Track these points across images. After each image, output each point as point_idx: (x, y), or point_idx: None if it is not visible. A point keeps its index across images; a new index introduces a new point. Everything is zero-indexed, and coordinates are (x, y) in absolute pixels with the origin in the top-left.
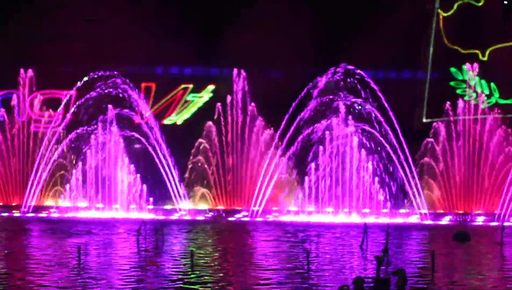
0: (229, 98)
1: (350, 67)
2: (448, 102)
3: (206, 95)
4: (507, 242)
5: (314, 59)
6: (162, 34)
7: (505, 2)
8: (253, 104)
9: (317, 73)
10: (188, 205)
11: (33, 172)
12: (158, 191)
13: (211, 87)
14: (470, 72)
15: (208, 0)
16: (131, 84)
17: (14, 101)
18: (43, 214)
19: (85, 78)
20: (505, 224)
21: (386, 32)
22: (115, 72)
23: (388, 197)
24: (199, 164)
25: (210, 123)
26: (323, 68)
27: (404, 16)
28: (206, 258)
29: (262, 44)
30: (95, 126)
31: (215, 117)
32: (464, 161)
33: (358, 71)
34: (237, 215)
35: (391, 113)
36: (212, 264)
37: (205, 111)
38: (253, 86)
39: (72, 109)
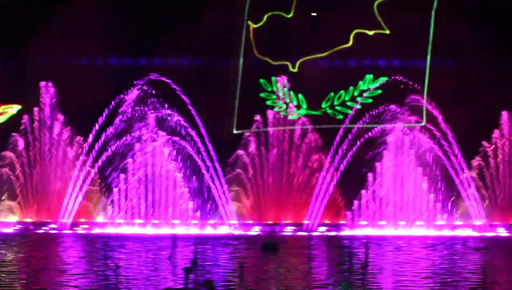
0: (36, 110)
1: (162, 78)
2: (258, 114)
3: (14, 107)
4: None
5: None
6: None
7: (313, 14)
8: (60, 115)
9: (124, 83)
10: None
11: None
12: None
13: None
14: (279, 84)
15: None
16: None
17: None
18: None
19: None
20: (313, 233)
21: (195, 43)
22: None
23: (197, 208)
24: (7, 176)
25: (16, 135)
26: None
27: (214, 27)
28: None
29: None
30: None
31: (22, 128)
32: (273, 171)
33: (168, 81)
34: (45, 228)
35: (200, 124)
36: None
37: (12, 123)
38: (61, 97)
39: None
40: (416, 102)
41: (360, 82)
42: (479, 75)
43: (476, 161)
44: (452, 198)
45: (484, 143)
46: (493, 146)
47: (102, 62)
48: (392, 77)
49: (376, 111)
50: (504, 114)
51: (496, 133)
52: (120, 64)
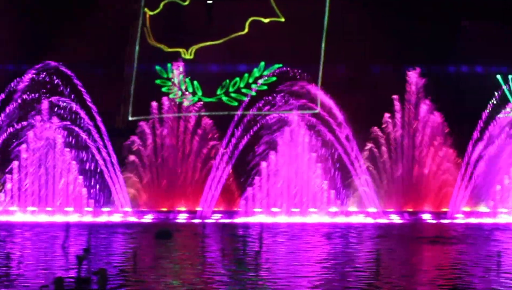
0: None
1: (54, 63)
2: (154, 100)
3: None
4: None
5: (18, 56)
6: None
7: (209, 2)
8: None
9: (21, 70)
10: None
11: None
12: None
13: None
14: (174, 71)
15: None
16: None
17: None
18: None
19: None
20: (207, 221)
21: (93, 30)
22: None
23: (91, 195)
24: None
25: None
26: (28, 65)
27: (111, 14)
28: None
29: None
30: None
31: None
32: (168, 158)
33: (62, 68)
34: None
35: (95, 111)
36: None
37: None
38: None
39: None
40: (310, 89)
41: (255, 69)
42: (373, 61)
43: (369, 147)
44: (348, 185)
45: (375, 129)
46: (385, 131)
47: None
48: (287, 65)
49: (271, 98)
50: (396, 99)
51: (386, 118)
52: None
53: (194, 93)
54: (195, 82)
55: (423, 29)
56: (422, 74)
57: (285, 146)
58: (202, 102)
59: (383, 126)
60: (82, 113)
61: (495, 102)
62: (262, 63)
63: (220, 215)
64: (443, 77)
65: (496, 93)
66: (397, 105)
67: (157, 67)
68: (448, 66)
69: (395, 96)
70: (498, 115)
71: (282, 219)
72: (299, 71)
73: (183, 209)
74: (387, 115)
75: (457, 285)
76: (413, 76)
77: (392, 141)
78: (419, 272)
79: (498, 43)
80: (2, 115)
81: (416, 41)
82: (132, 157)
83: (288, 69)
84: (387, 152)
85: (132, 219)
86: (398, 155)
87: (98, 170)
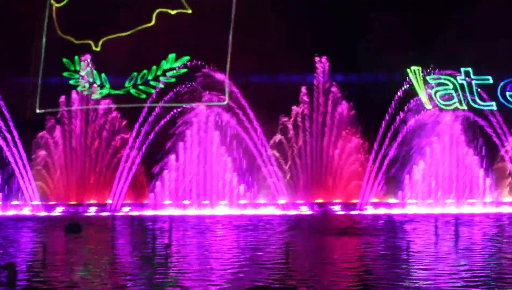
0: None
1: None
2: (62, 93)
3: None
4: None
5: None
6: None
7: None
8: None
9: None
10: None
11: None
12: None
13: None
14: (82, 63)
15: None
16: None
17: None
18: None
19: None
20: (117, 214)
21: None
22: None
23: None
24: None
25: None
26: None
27: (16, 8)
28: None
29: None
30: None
31: None
32: (77, 151)
33: None
34: None
35: (1, 104)
36: None
37: None
38: None
39: None
40: (218, 80)
41: (163, 62)
42: (280, 51)
43: (277, 138)
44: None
45: (283, 118)
46: (295, 122)
47: None
48: (196, 57)
49: (179, 90)
50: (303, 89)
51: (294, 110)
52: None
53: (102, 86)
54: (103, 75)
55: (332, 20)
56: (331, 66)
57: (194, 138)
58: (110, 95)
59: (292, 116)
60: None
61: (401, 95)
62: (170, 55)
63: (129, 207)
64: (351, 70)
65: (404, 86)
66: (305, 95)
67: (64, 60)
68: (355, 60)
69: (303, 86)
70: (408, 107)
71: (192, 211)
72: (208, 63)
73: (93, 202)
74: (295, 105)
75: (365, 277)
76: (321, 65)
77: (300, 132)
78: (325, 265)
79: (403, 34)
80: None
81: (325, 31)
82: (41, 150)
83: (197, 61)
84: (294, 143)
85: (42, 213)
86: (307, 146)
87: (6, 162)
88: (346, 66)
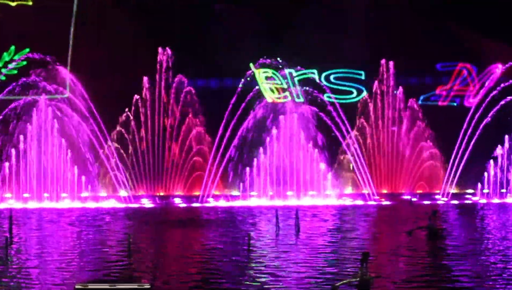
0: None
1: None
2: None
3: None
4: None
5: None
6: None
7: None
8: None
9: None
10: None
11: None
12: None
13: None
14: None
15: None
16: None
17: None
18: None
19: None
20: None
21: None
22: None
23: None
24: None
25: None
26: None
27: None
28: None
29: None
30: None
31: None
32: None
33: None
34: None
35: None
36: None
37: None
38: None
39: None
40: (60, 73)
41: (5, 54)
42: (125, 44)
43: (118, 130)
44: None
45: (126, 111)
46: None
47: None
48: (37, 49)
49: (20, 82)
50: (145, 80)
51: (135, 100)
52: None
53: None
54: None
55: (180, 10)
56: (174, 54)
57: (34, 131)
58: None
59: (133, 108)
60: None
61: (241, 85)
62: (12, 47)
63: None
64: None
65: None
66: (146, 85)
67: None
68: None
69: (145, 77)
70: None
71: (33, 204)
72: (49, 56)
73: None
74: (136, 96)
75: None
76: (163, 55)
77: (143, 124)
78: (166, 256)
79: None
80: None
81: (170, 20)
82: None
83: (39, 54)
84: (137, 135)
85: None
86: (149, 139)
87: None
88: (192, 58)
